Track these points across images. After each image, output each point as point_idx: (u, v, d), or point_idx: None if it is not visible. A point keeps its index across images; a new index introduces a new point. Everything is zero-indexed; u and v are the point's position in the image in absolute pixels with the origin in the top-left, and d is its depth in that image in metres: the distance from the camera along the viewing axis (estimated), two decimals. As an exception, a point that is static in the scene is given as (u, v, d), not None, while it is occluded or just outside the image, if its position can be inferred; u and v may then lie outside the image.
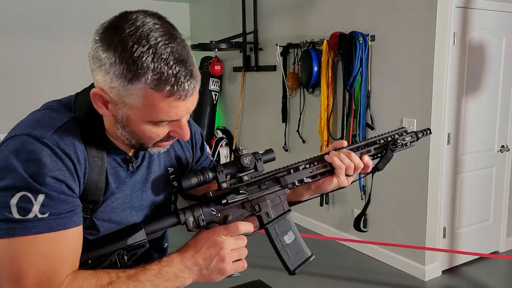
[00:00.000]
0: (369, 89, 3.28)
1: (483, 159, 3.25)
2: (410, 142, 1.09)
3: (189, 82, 0.75)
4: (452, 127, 3.05)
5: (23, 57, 4.49)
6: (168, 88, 0.74)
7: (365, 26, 3.25)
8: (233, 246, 0.88)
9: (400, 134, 1.09)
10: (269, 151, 0.98)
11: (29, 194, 0.73)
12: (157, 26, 0.75)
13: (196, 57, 0.83)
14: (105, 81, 0.76)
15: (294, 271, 0.98)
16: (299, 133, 3.97)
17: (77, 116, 0.84)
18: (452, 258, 3.22)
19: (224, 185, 0.92)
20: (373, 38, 3.20)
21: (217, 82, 4.99)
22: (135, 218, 0.93)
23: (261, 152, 0.96)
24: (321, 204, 3.82)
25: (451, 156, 3.08)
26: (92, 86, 0.88)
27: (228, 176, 0.95)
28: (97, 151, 0.84)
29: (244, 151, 0.93)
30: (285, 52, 3.99)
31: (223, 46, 4.44)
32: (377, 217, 3.39)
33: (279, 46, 3.96)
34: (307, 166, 1.00)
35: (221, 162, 4.76)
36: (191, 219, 0.89)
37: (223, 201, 0.91)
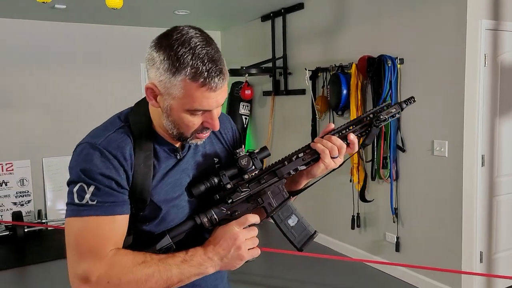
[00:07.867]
0: (399, 111, 3.27)
1: (520, 182, 3.16)
2: (393, 114, 1.16)
3: (218, 77, 0.94)
4: (486, 149, 3.00)
5: (70, 88, 4.88)
6: (201, 79, 0.92)
7: (393, 49, 3.28)
8: (246, 236, 1.02)
9: (384, 108, 1.16)
10: (264, 148, 1.10)
11: (84, 185, 0.96)
12: (197, 35, 0.95)
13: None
14: (156, 76, 0.95)
15: (301, 248, 1.11)
16: (329, 156, 3.97)
17: (132, 129, 1.04)
18: (490, 283, 3.11)
19: (228, 186, 1.07)
20: (401, 61, 3.22)
21: (247, 106, 5.08)
22: (186, 198, 1.08)
23: (256, 151, 1.09)
24: (353, 228, 3.79)
25: (486, 179, 3.02)
26: (139, 103, 1.10)
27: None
28: (144, 159, 1.02)
29: (240, 153, 1.07)
30: (314, 76, 4.05)
31: (253, 71, 4.55)
32: (410, 240, 3.33)
33: (308, 70, 4.02)
34: (299, 155, 1.11)
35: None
36: (205, 220, 1.05)
37: (229, 201, 1.06)
